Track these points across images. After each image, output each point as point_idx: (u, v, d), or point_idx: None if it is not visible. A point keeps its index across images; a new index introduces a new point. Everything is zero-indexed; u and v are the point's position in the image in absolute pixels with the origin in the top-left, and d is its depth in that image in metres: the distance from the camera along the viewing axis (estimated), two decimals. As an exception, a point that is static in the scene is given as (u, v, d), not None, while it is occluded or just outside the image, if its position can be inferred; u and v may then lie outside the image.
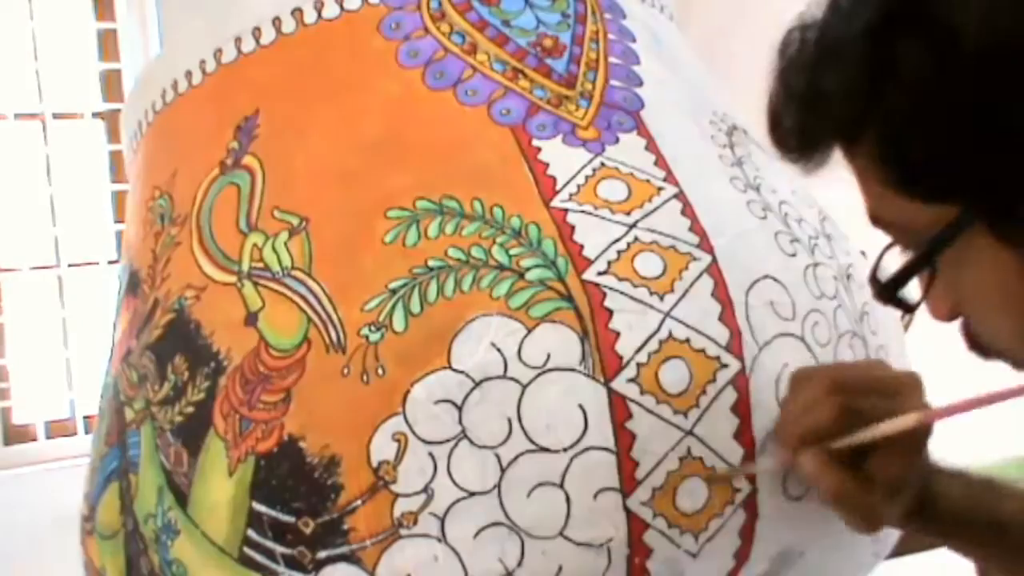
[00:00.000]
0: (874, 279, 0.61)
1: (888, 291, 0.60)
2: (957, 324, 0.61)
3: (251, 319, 0.73)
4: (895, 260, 0.60)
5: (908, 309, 0.60)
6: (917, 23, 0.52)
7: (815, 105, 0.58)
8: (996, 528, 0.72)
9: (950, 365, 0.90)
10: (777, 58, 0.60)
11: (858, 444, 0.66)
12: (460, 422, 0.66)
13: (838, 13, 0.57)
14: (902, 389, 0.68)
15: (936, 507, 0.71)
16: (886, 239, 0.61)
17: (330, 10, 0.81)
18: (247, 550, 0.70)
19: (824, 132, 0.59)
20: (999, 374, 0.70)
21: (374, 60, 0.79)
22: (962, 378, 0.95)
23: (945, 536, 0.72)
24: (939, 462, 0.73)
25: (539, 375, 0.67)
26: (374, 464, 0.67)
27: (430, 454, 0.66)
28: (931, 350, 0.88)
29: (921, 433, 0.68)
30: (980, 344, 0.60)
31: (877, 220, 0.59)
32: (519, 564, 0.66)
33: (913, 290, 0.60)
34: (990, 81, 0.50)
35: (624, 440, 0.67)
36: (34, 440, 2.77)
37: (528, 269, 0.69)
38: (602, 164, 0.74)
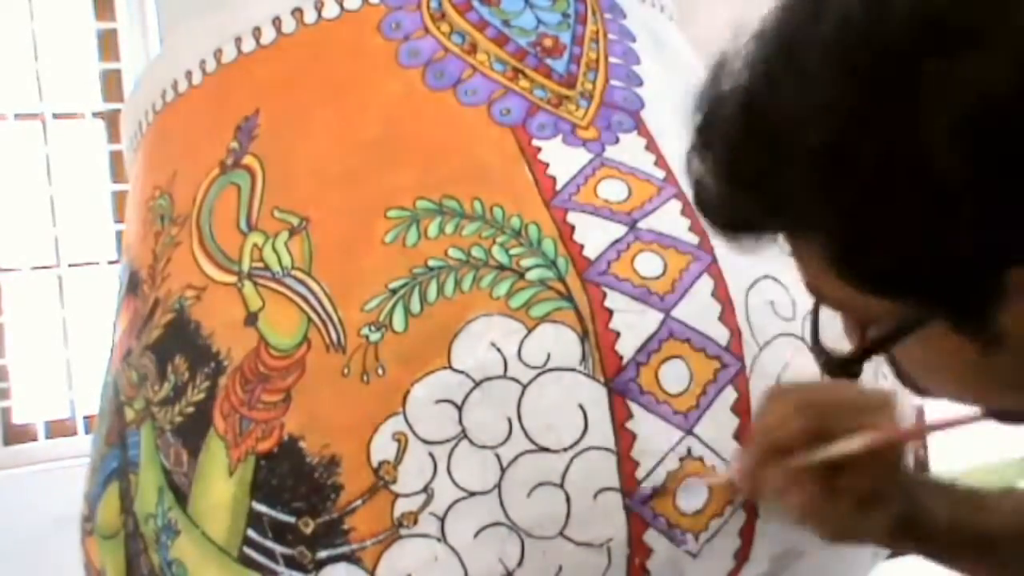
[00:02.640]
0: (817, 346, 0.57)
1: (838, 369, 0.56)
2: None
3: (251, 319, 0.73)
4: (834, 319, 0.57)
5: (855, 376, 0.57)
6: (879, 122, 0.45)
7: (754, 193, 0.50)
8: (984, 542, 0.72)
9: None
10: (701, 123, 0.52)
11: (826, 461, 0.65)
12: (460, 422, 0.66)
13: (774, 89, 0.48)
14: (871, 407, 0.67)
15: (922, 524, 0.71)
16: None
17: (330, 10, 0.81)
18: (247, 550, 0.70)
19: (760, 222, 0.52)
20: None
21: (374, 60, 0.79)
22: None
23: (934, 553, 0.72)
24: (925, 478, 0.73)
25: (539, 375, 0.67)
26: (374, 464, 0.67)
27: (430, 454, 0.66)
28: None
29: (892, 450, 0.67)
30: (915, 387, 0.59)
31: (818, 295, 0.54)
32: (519, 564, 0.66)
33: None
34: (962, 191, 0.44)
35: (624, 440, 0.67)
36: (34, 440, 2.76)
37: (528, 269, 0.69)
38: (602, 164, 0.74)
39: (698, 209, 0.53)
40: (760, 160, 0.48)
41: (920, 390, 0.57)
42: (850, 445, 0.64)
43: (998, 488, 0.75)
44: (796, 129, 0.46)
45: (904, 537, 0.69)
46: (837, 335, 0.56)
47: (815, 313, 0.57)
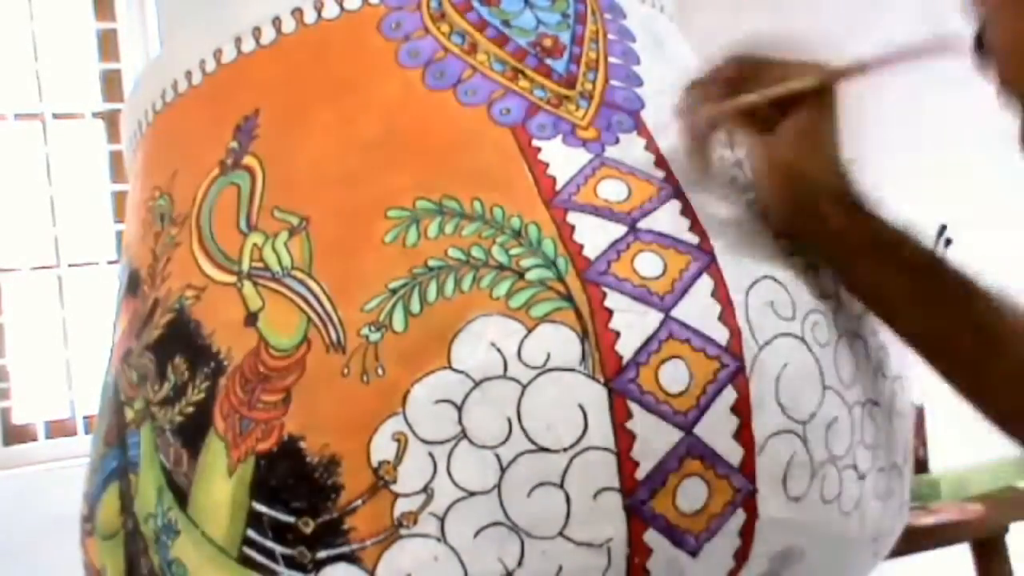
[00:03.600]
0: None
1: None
2: None
3: (251, 319, 0.73)
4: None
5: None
6: None
7: None
8: (930, 271, 0.71)
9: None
10: None
11: (758, 103, 0.67)
12: (460, 422, 0.66)
13: None
14: (801, 65, 0.69)
15: (893, 242, 0.70)
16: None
17: (330, 10, 0.81)
18: (247, 550, 0.70)
19: None
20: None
21: (374, 60, 0.79)
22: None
23: (899, 292, 0.71)
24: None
25: (539, 375, 0.67)
26: (374, 464, 0.67)
27: (430, 454, 0.66)
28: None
29: (823, 93, 0.68)
30: (982, 43, 0.60)
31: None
32: (519, 564, 0.67)
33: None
34: None
35: (624, 440, 0.67)
36: (34, 440, 2.77)
37: (528, 269, 0.69)
38: (602, 164, 0.74)
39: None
40: None
41: (983, 46, 0.59)
42: (802, 82, 0.66)
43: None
44: None
45: (864, 236, 0.69)
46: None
47: None
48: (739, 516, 0.70)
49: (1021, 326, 0.71)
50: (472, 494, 0.66)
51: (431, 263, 0.69)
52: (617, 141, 0.75)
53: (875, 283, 0.73)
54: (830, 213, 0.71)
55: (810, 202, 0.71)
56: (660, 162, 0.75)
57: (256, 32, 0.83)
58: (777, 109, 0.70)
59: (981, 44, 0.61)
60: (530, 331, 0.67)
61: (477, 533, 0.66)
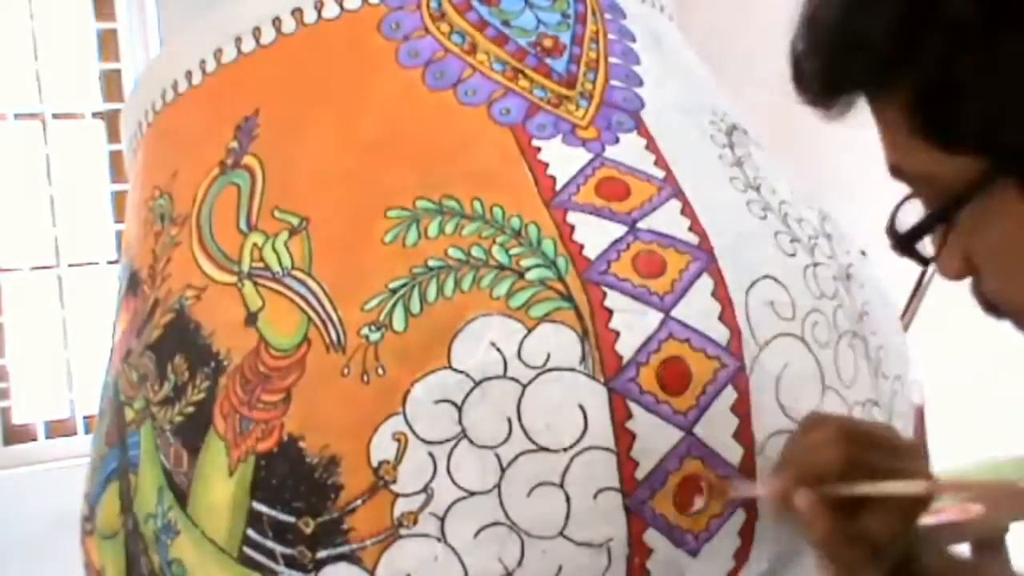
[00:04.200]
0: (891, 230, 0.59)
1: (905, 243, 0.58)
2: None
3: (251, 319, 0.73)
4: (912, 214, 0.59)
5: (923, 262, 0.59)
6: None
7: (848, 46, 0.54)
8: None
9: (950, 366, 0.90)
10: (803, 10, 0.57)
11: (855, 496, 0.65)
12: (460, 422, 0.66)
13: None
14: (909, 452, 0.67)
15: (910, 570, 0.70)
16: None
17: (330, 10, 0.81)
18: (247, 550, 0.70)
19: (854, 76, 0.55)
20: (997, 377, 0.70)
21: (374, 60, 0.79)
22: (963, 380, 0.95)
23: None
24: (923, 532, 0.72)
25: (539, 375, 0.67)
26: (374, 464, 0.67)
27: (430, 454, 0.66)
28: (931, 350, 0.88)
29: (921, 502, 0.67)
30: (992, 303, 0.59)
31: (898, 172, 0.57)
32: (519, 564, 0.66)
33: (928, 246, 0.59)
34: None
35: (624, 440, 0.67)
36: (34, 440, 2.77)
37: (528, 269, 0.69)
38: (602, 164, 0.74)
39: (795, 85, 0.57)
40: (857, 15, 0.54)
41: (981, 289, 0.57)
42: (914, 487, 0.64)
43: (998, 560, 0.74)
44: None
45: None
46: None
47: (896, 208, 0.59)
48: (739, 516, 0.70)
49: None
50: (472, 494, 0.66)
51: (431, 263, 0.69)
52: (617, 141, 0.75)
53: None
54: None
55: None
56: (660, 162, 0.75)
57: (256, 32, 0.83)
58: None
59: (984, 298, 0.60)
60: (530, 331, 0.67)
61: (477, 533, 0.66)
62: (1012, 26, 0.49)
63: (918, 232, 0.57)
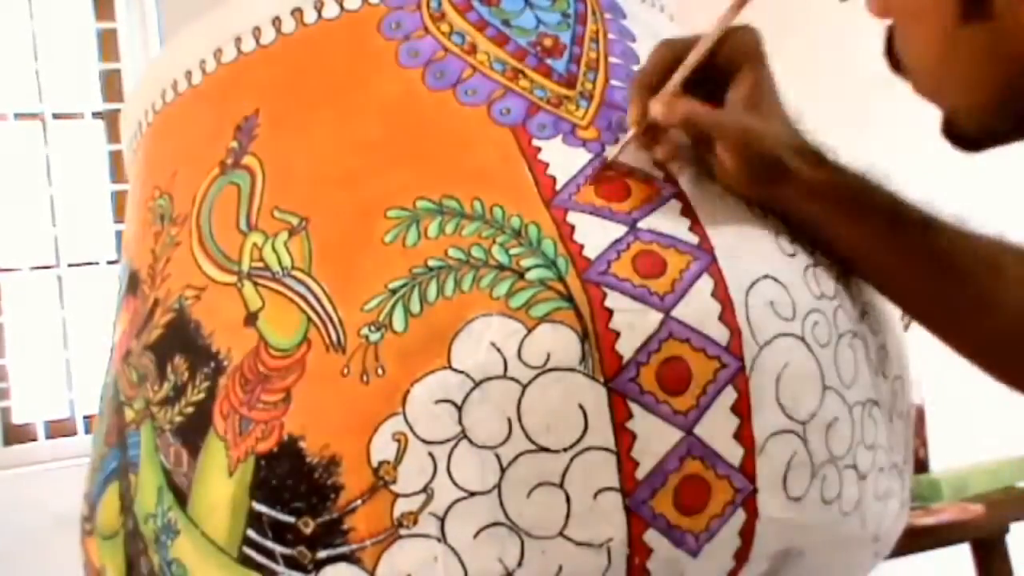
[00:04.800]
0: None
1: None
2: None
3: (251, 319, 0.73)
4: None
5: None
6: None
7: None
8: (889, 211, 0.72)
9: (950, 366, 0.90)
10: None
11: (692, 72, 0.70)
12: (460, 422, 0.66)
13: None
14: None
15: (830, 168, 0.72)
16: None
17: (330, 10, 0.81)
18: (247, 550, 0.70)
19: None
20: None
21: (374, 60, 0.79)
22: (963, 380, 0.95)
23: (821, 205, 0.72)
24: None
25: (539, 375, 0.67)
26: (374, 464, 0.67)
27: (430, 454, 0.66)
28: (931, 351, 0.87)
29: (749, 43, 0.72)
30: (894, 55, 0.61)
31: None
32: (519, 564, 0.67)
33: None
34: None
35: (624, 440, 0.67)
36: (34, 440, 2.76)
37: (528, 269, 0.69)
38: (602, 164, 0.74)
39: None
40: None
41: (897, 61, 0.60)
42: (705, 43, 0.70)
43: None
44: None
45: (832, 184, 0.70)
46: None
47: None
48: (739, 516, 0.70)
49: (983, 255, 0.71)
50: (472, 494, 0.66)
51: (431, 263, 0.69)
52: (617, 141, 0.75)
53: (850, 234, 0.73)
54: (796, 167, 0.71)
55: (774, 159, 0.72)
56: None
57: (256, 32, 0.83)
58: (719, 87, 0.72)
59: (892, 49, 0.62)
60: (530, 331, 0.67)
61: (477, 533, 0.66)
62: None
63: None
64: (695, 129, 0.72)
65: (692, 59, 0.72)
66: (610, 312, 0.68)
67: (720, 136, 0.71)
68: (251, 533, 0.70)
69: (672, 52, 0.73)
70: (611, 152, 0.73)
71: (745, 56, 0.72)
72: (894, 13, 0.60)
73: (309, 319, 0.71)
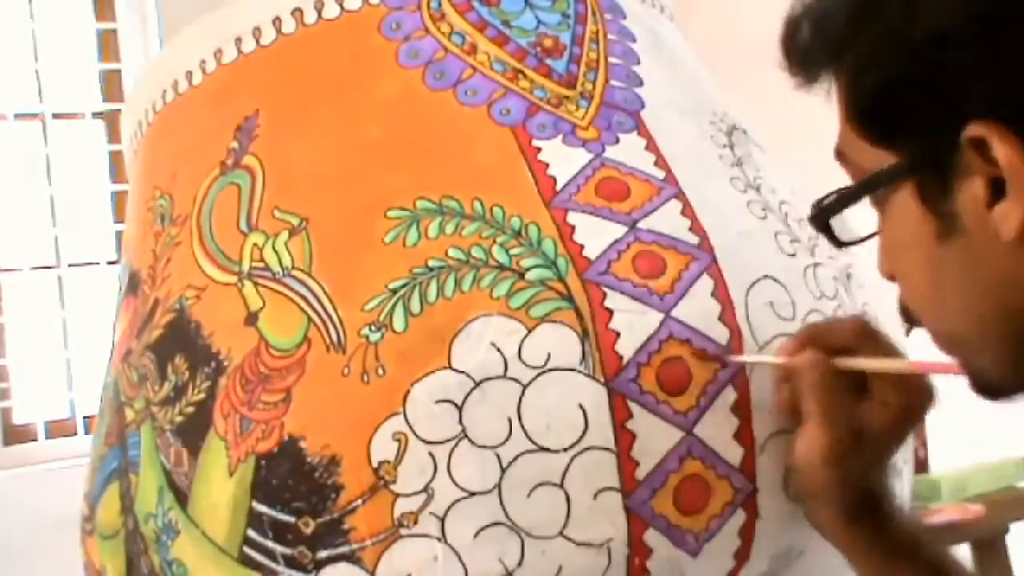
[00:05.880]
0: (816, 204, 0.62)
1: (819, 216, 0.61)
2: None
3: (251, 319, 0.73)
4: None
5: (836, 243, 0.62)
6: None
7: (819, 23, 0.59)
8: (936, 566, 0.71)
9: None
10: None
11: (862, 373, 0.67)
12: (460, 422, 0.66)
13: None
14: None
15: (886, 512, 0.69)
16: None
17: (330, 10, 0.81)
18: (247, 550, 0.70)
19: (820, 51, 0.59)
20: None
21: (374, 60, 0.80)
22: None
23: (884, 553, 0.70)
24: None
25: (539, 375, 0.67)
26: (374, 464, 0.67)
27: (430, 454, 0.66)
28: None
29: (919, 399, 0.68)
30: (908, 313, 0.61)
31: (840, 155, 0.61)
32: (519, 564, 0.67)
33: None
34: (942, 39, 0.52)
35: (624, 440, 0.67)
36: (34, 440, 2.76)
37: (528, 269, 0.69)
38: (602, 164, 0.74)
39: (782, 50, 0.61)
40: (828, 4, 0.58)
41: (911, 317, 0.60)
42: (894, 364, 0.66)
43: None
44: None
45: (862, 512, 0.68)
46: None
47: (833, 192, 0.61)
48: (739, 516, 0.70)
49: None
50: (472, 494, 0.66)
51: (431, 263, 0.69)
52: (617, 141, 0.75)
53: None
54: (860, 518, 0.68)
55: (849, 499, 0.68)
56: (660, 162, 0.75)
57: (256, 32, 0.83)
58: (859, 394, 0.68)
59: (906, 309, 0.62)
60: (530, 331, 0.67)
61: (477, 533, 0.66)
62: (935, 32, 0.52)
63: (829, 207, 0.61)
64: (814, 413, 0.67)
65: (874, 365, 0.67)
66: (610, 312, 0.68)
67: (825, 429, 0.67)
68: (251, 533, 0.70)
69: (867, 333, 0.69)
70: (746, 358, 0.69)
71: (910, 396, 0.68)
72: (888, 254, 0.60)
73: (309, 319, 0.71)
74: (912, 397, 0.68)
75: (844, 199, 0.60)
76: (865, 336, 0.68)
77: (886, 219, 0.58)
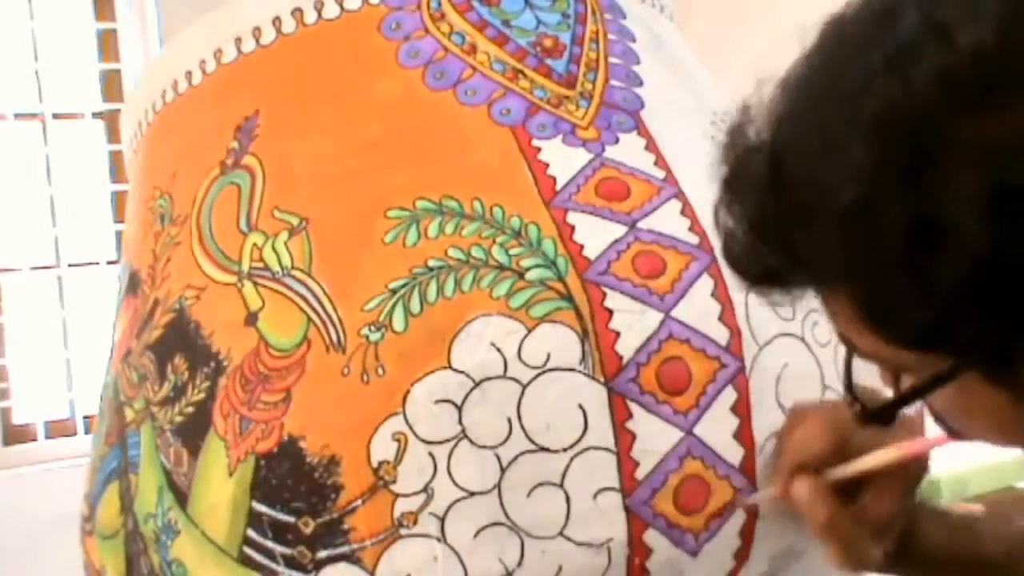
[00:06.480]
0: (851, 396, 0.57)
1: (872, 419, 0.56)
2: None
3: (251, 319, 0.73)
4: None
5: (888, 423, 0.57)
6: (904, 185, 0.44)
7: (782, 249, 0.49)
8: (979, 568, 0.71)
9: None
10: (727, 176, 0.53)
11: (852, 477, 0.66)
12: (460, 422, 0.66)
13: (799, 149, 0.47)
14: (900, 424, 0.67)
15: (917, 547, 0.70)
16: None
17: (330, 10, 0.81)
18: (247, 550, 0.70)
19: (789, 276, 0.51)
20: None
21: (374, 60, 0.79)
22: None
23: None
24: (922, 502, 0.73)
25: (539, 375, 0.67)
26: (374, 464, 0.67)
27: (430, 454, 0.66)
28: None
29: (915, 469, 0.68)
30: (950, 429, 0.58)
31: (850, 345, 0.53)
32: (519, 564, 0.66)
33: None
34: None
35: (624, 440, 0.67)
36: (34, 440, 2.76)
37: (528, 269, 0.69)
38: (602, 164, 0.74)
39: (727, 262, 0.53)
40: (787, 218, 0.48)
41: (955, 432, 0.55)
42: (879, 458, 0.65)
43: (993, 513, 0.75)
44: (822, 191, 0.46)
45: (899, 559, 0.69)
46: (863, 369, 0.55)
47: (848, 362, 0.56)
48: (739, 516, 0.70)
49: None
50: (472, 494, 0.66)
51: (431, 263, 0.69)
52: (617, 141, 0.75)
53: None
54: (896, 563, 0.69)
55: (886, 566, 0.69)
56: (660, 162, 0.75)
57: (256, 32, 0.83)
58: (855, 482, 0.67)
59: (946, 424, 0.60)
60: (530, 331, 0.67)
61: (477, 533, 0.66)
62: (939, 238, 0.44)
63: (885, 413, 0.55)
64: (826, 531, 0.66)
65: (860, 467, 0.66)
66: (610, 312, 0.68)
67: (833, 542, 0.66)
68: (251, 533, 0.70)
69: (837, 436, 0.66)
70: (751, 499, 0.70)
71: (904, 471, 0.67)
72: (949, 416, 0.54)
73: (309, 319, 0.71)
74: (906, 471, 0.67)
75: (901, 404, 0.54)
76: (840, 441, 0.66)
77: (945, 394, 0.51)
